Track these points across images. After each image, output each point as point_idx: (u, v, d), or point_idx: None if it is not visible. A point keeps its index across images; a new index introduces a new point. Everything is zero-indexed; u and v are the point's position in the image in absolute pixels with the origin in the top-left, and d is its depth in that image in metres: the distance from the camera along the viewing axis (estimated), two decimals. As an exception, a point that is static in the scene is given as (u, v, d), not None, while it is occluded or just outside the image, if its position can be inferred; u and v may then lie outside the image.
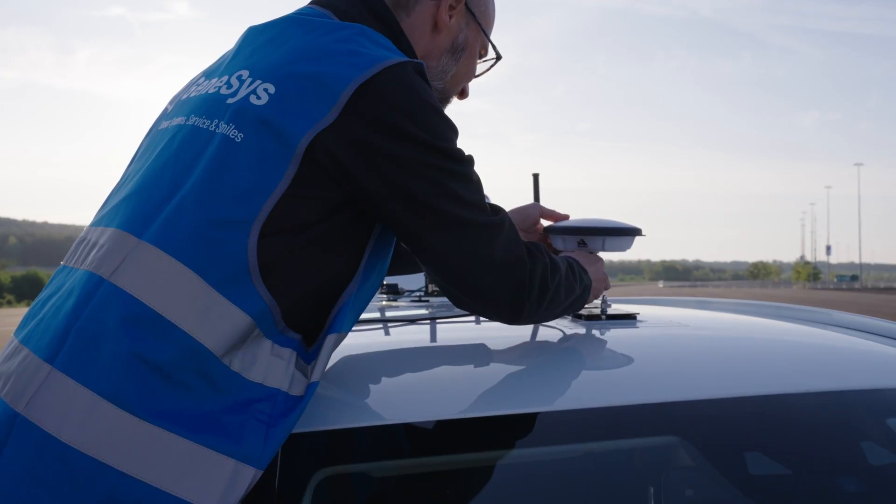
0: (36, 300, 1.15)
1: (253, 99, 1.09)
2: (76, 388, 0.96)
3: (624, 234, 1.63)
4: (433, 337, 1.61)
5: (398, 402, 1.18)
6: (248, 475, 0.99)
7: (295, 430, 1.06)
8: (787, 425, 1.21)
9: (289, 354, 1.07)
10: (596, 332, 1.56)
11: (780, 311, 2.10)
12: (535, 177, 2.39)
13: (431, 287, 2.33)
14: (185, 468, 0.96)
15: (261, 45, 1.19)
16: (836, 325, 1.85)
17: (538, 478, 1.23)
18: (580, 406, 1.16)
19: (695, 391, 1.21)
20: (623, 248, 1.66)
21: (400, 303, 2.35)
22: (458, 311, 1.70)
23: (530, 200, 1.85)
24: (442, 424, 1.12)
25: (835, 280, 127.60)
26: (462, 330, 1.70)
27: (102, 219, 1.14)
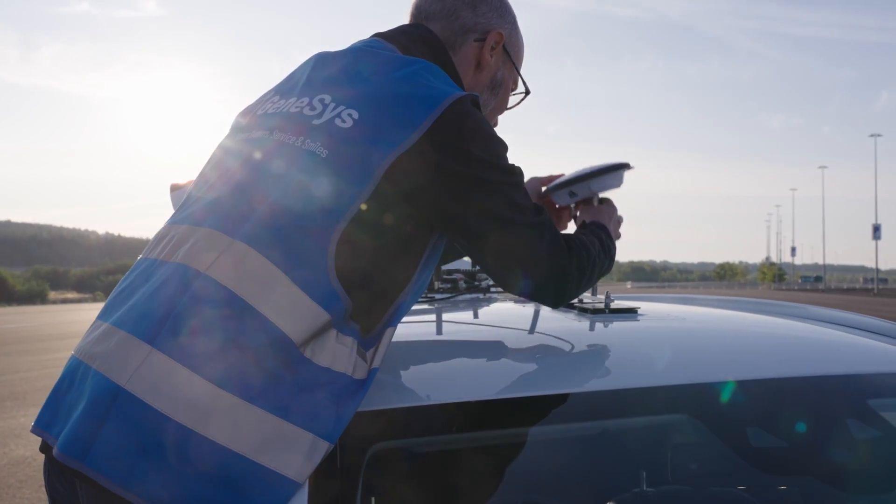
0: (119, 288, 1.27)
1: (338, 122, 1.24)
2: (175, 366, 1.08)
3: (606, 172, 1.74)
4: (459, 329, 1.75)
5: (436, 385, 1.32)
6: (322, 448, 1.12)
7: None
8: (784, 405, 1.37)
9: (351, 342, 1.20)
10: (601, 325, 1.71)
11: (761, 306, 2.27)
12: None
13: (438, 284, 2.46)
14: (272, 441, 1.08)
15: (336, 72, 1.35)
16: (813, 319, 2.02)
17: (563, 452, 1.38)
18: (600, 388, 1.31)
19: (702, 375, 1.36)
20: (614, 185, 1.77)
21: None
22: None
23: None
24: (476, 405, 1.26)
25: (799, 281, 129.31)
26: (487, 324, 1.84)
27: (187, 218, 1.27)
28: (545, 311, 1.96)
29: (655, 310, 1.99)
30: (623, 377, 1.35)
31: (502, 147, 1.33)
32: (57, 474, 1.17)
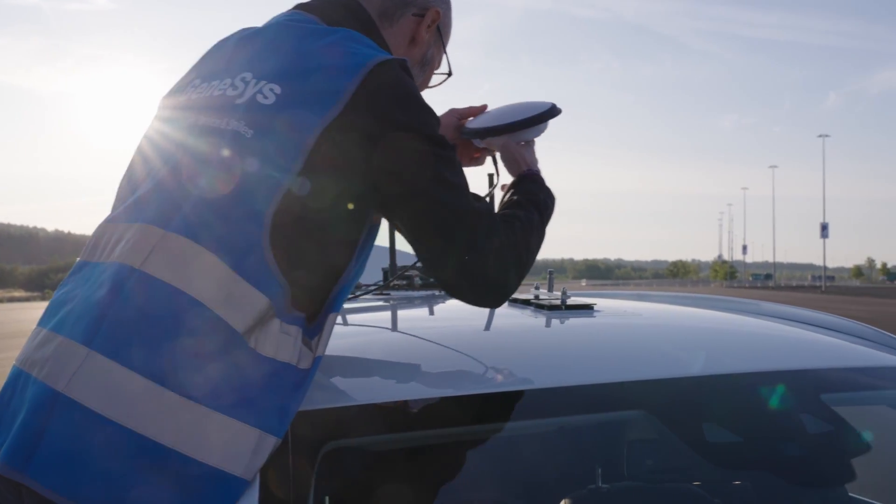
0: (58, 293, 1.22)
1: (260, 98, 1.19)
2: (114, 366, 1.04)
3: (538, 121, 1.60)
4: (415, 325, 1.73)
5: (390, 382, 1.30)
6: (269, 443, 1.09)
7: (303, 408, 1.17)
8: (739, 400, 1.37)
9: (295, 331, 1.16)
10: (557, 321, 1.70)
11: (715, 302, 2.29)
12: (490, 177, 2.52)
13: (394, 281, 2.44)
14: (217, 438, 1.05)
15: (257, 49, 1.29)
16: (764, 314, 2.04)
17: (520, 449, 1.37)
18: (556, 385, 1.30)
19: (658, 371, 1.36)
20: (541, 132, 1.62)
21: (359, 296, 2.46)
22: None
23: None
24: (432, 402, 1.24)
25: (750, 278, 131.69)
26: (443, 320, 1.83)
27: (121, 215, 1.23)
28: (502, 307, 1.94)
29: (611, 306, 1.99)
30: (579, 374, 1.34)
31: (432, 117, 1.26)
32: (4, 484, 1.12)
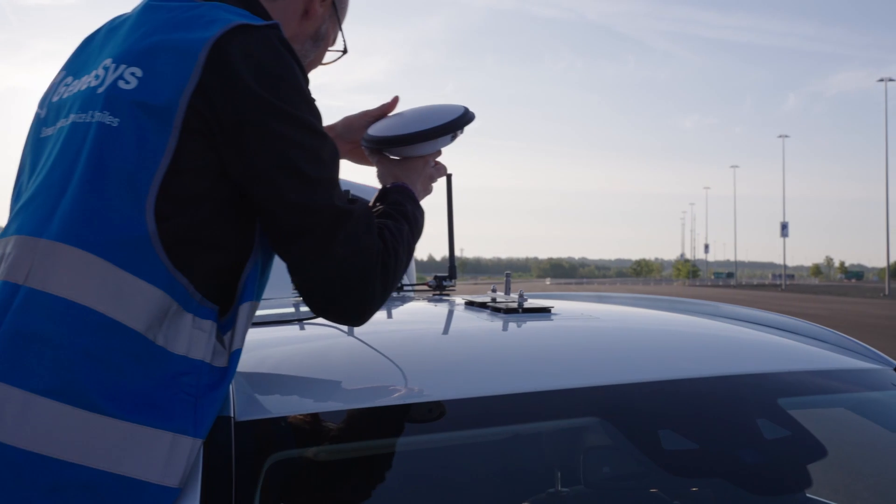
0: None
1: (122, 84, 1.11)
2: (7, 389, 0.98)
3: (444, 131, 1.41)
4: (367, 329, 1.69)
5: (339, 390, 1.25)
6: (186, 445, 1.03)
7: (246, 418, 1.12)
8: (694, 406, 1.35)
9: (209, 326, 1.10)
10: (514, 325, 1.67)
11: (674, 304, 2.27)
12: (448, 177, 2.49)
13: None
14: (125, 448, 0.99)
15: (122, 35, 1.20)
16: (722, 316, 2.03)
17: (473, 457, 1.33)
18: (511, 391, 1.26)
19: (614, 377, 1.33)
20: (446, 144, 1.45)
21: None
22: None
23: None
24: (381, 411, 1.20)
25: (712, 277, 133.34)
26: (397, 323, 1.79)
27: (7, 230, 1.16)
28: (458, 310, 1.91)
29: (569, 309, 1.96)
30: (535, 379, 1.30)
31: (299, 94, 1.14)
32: None
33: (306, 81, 1.19)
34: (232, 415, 1.13)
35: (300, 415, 1.19)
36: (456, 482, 1.40)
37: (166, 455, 1.01)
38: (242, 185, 1.11)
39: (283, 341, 1.56)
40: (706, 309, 2.17)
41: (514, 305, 1.80)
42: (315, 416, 1.19)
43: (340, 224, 1.14)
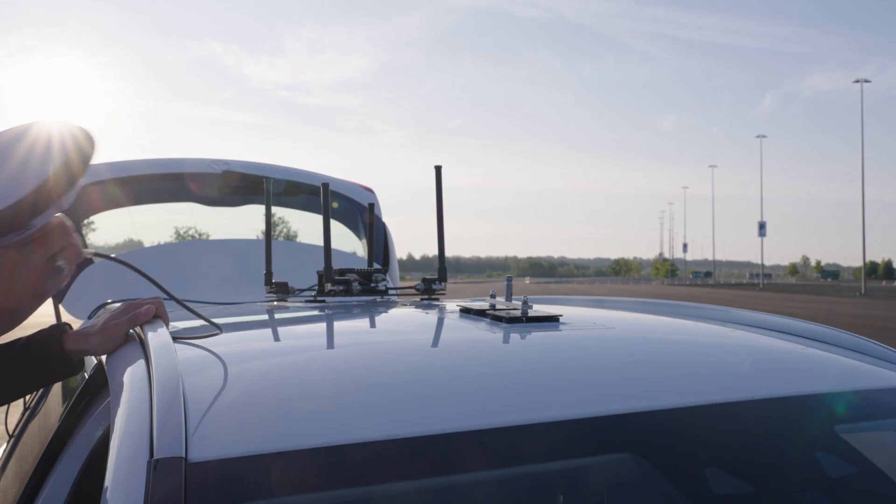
0: None
1: None
2: None
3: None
4: (351, 339, 1.44)
5: (313, 422, 1.00)
6: None
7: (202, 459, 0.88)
8: (749, 437, 1.11)
9: None
10: (517, 336, 1.42)
11: (681, 310, 2.03)
12: (438, 169, 2.25)
13: (328, 286, 2.14)
14: None
15: None
16: (739, 324, 1.80)
17: (478, 501, 1.07)
18: (520, 422, 1.02)
19: (651, 401, 1.09)
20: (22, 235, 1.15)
21: (291, 303, 2.16)
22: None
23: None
24: (364, 447, 0.95)
25: (690, 276, 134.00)
26: (382, 333, 1.54)
27: None
28: (451, 318, 1.66)
29: (578, 316, 1.71)
30: (549, 407, 1.06)
31: None
32: None
33: None
34: (184, 455, 0.88)
35: (266, 453, 0.93)
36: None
37: None
38: None
39: (246, 357, 1.31)
40: (717, 315, 1.94)
41: (518, 314, 1.56)
42: (283, 456, 0.93)
43: None
